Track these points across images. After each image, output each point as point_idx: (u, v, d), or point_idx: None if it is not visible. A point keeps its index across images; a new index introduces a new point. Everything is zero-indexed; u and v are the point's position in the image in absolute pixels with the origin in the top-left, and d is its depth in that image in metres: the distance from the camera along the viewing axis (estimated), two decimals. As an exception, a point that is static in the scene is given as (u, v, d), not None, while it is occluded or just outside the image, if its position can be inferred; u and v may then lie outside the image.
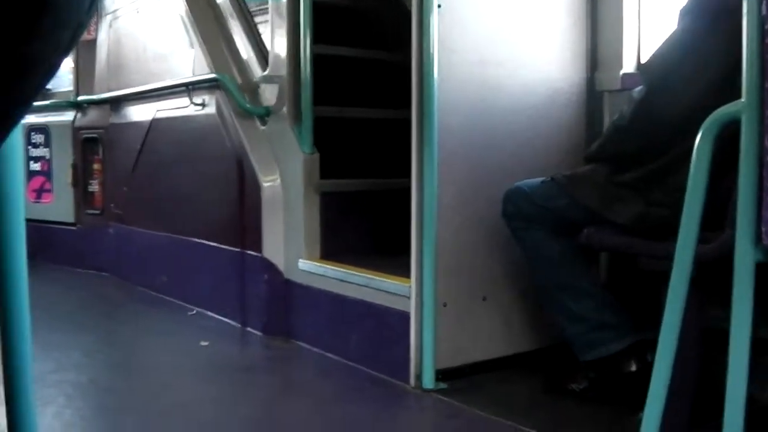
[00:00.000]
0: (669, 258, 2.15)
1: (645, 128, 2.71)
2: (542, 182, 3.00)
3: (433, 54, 3.04)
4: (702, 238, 2.13)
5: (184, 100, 4.59)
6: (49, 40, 0.82)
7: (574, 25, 3.53)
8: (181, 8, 4.70)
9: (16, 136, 1.41)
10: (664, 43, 2.68)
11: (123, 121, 5.50)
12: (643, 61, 3.41)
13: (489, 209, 3.20)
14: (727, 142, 2.04)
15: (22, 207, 1.46)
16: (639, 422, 2.22)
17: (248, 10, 4.54)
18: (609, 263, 3.44)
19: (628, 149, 2.79)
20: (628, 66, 3.47)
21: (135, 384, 3.38)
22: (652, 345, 2.42)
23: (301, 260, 3.81)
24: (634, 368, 2.90)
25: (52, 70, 0.88)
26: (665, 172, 2.68)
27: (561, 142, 3.48)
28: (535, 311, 3.37)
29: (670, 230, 2.57)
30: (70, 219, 6.05)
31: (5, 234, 1.44)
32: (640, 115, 2.69)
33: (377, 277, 3.38)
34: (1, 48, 0.80)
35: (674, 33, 2.66)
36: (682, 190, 2.11)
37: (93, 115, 5.91)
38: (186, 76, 4.62)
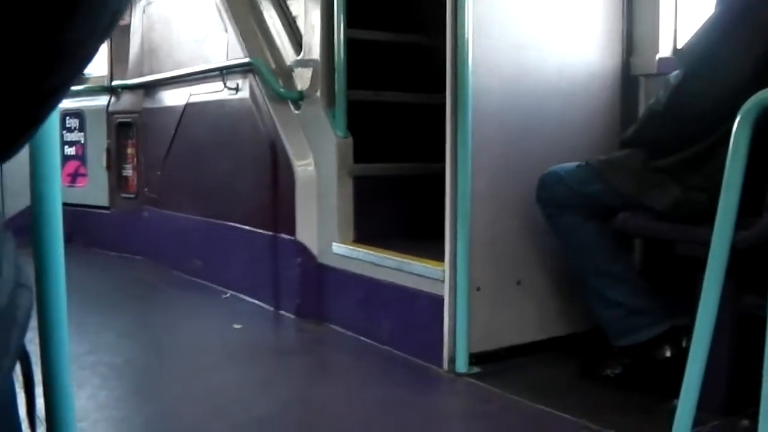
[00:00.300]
0: (705, 244, 2.13)
1: (682, 113, 2.68)
2: (577, 167, 2.98)
3: (467, 38, 3.02)
4: (739, 224, 2.11)
5: (218, 85, 4.60)
6: (86, 26, 0.82)
7: (610, 9, 3.50)
8: (215, -8, 4.71)
9: (53, 122, 1.42)
10: (701, 27, 2.66)
11: (157, 105, 5.52)
12: (679, 45, 3.38)
13: (523, 193, 3.19)
14: (765, 126, 2.02)
15: (58, 191, 1.47)
16: (674, 409, 2.20)
17: (282, -6, 4.55)
18: (644, 248, 3.42)
19: (664, 134, 2.77)
20: (665, 50, 3.44)
21: (169, 366, 3.41)
22: (687, 331, 2.41)
23: (334, 244, 3.82)
24: (668, 354, 2.89)
25: (89, 57, 0.89)
26: (702, 157, 2.65)
27: (596, 127, 3.46)
28: (570, 296, 3.36)
29: (706, 216, 2.55)
30: (105, 203, 6.09)
31: (43, 218, 1.45)
32: (677, 100, 2.67)
33: (411, 261, 3.38)
34: (38, 36, 0.81)
35: (711, 17, 2.63)
36: (719, 175, 2.09)
37: (127, 100, 5.93)
38: (220, 61, 4.63)
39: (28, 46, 0.82)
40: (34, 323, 0.84)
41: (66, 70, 0.87)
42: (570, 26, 3.39)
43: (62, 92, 0.91)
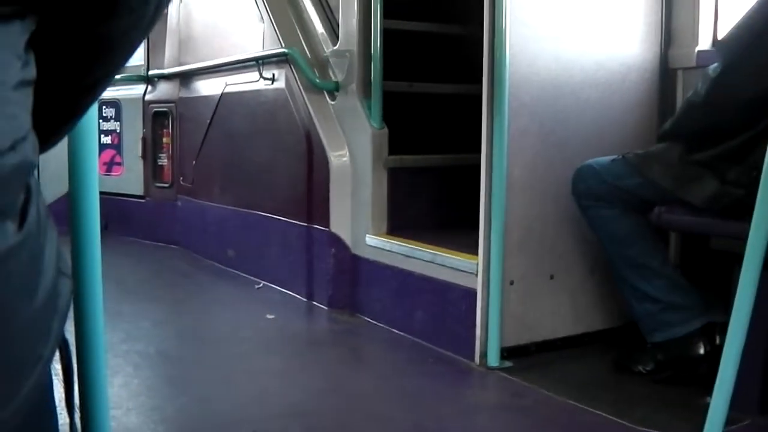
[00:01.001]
0: (742, 239, 2.11)
1: (720, 106, 2.66)
2: (613, 160, 2.96)
3: (505, 28, 3.01)
4: (778, 219, 2.08)
5: (254, 75, 4.60)
6: (130, 19, 0.83)
7: (649, 0, 3.46)
8: (252, -18, 4.71)
9: (91, 112, 1.42)
10: (742, 18, 2.63)
11: (193, 95, 5.54)
12: (719, 37, 3.34)
13: (559, 186, 3.18)
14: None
15: (96, 180, 1.47)
16: (707, 407, 2.19)
17: (319, -16, 4.54)
18: (680, 243, 3.39)
19: (702, 128, 2.74)
20: (704, 43, 3.40)
21: (202, 354, 3.43)
22: (722, 327, 2.39)
23: (368, 235, 3.82)
24: (703, 351, 2.86)
25: (131, 49, 0.89)
26: (741, 150, 2.62)
27: (633, 120, 3.43)
28: (603, 290, 3.34)
29: (744, 210, 2.52)
30: (140, 192, 6.12)
31: (79, 206, 1.46)
32: (716, 93, 2.64)
33: (444, 254, 3.37)
34: (84, 28, 0.81)
35: (753, 7, 2.60)
36: (758, 169, 2.06)
37: (163, 89, 5.96)
38: (256, 51, 4.64)
39: (73, 38, 0.82)
40: (70, 312, 0.84)
41: (109, 63, 0.88)
42: (608, 17, 3.36)
43: (105, 84, 0.92)
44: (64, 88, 0.87)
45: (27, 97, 0.71)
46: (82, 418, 1.47)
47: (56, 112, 0.89)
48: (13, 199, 0.69)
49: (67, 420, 1.04)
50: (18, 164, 0.68)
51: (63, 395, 1.02)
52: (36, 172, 0.76)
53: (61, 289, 0.78)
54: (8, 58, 0.68)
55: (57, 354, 0.90)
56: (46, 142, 0.86)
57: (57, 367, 0.99)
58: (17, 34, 0.69)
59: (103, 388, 1.52)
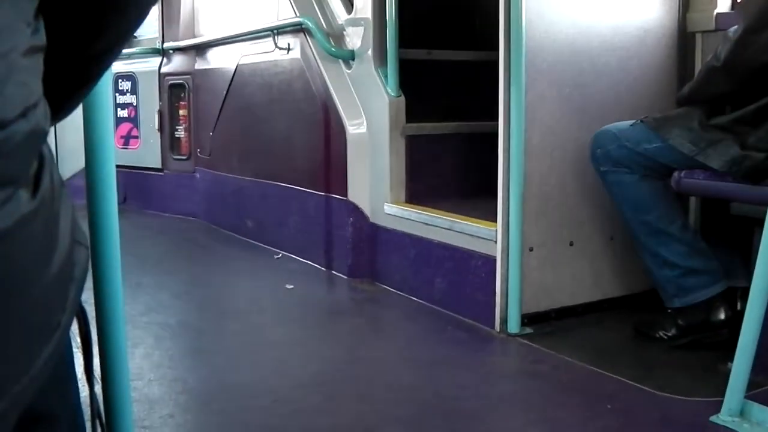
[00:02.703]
0: (763, 203, 2.09)
1: (741, 70, 2.63)
2: (632, 125, 2.94)
3: (521, -7, 2.99)
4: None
5: (269, 45, 4.59)
6: None
7: (667, -37, 3.43)
8: (266, -48, 4.69)
9: (105, 84, 1.42)
10: (763, -21, 2.59)
11: (208, 66, 5.54)
12: (739, -1, 3.30)
13: (577, 152, 3.16)
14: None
15: (112, 153, 1.47)
16: (728, 372, 2.18)
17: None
18: (700, 207, 3.37)
19: (722, 91, 2.72)
20: (723, 5, 3.36)
21: (222, 325, 3.44)
22: (743, 292, 2.38)
23: (386, 204, 3.81)
24: (723, 316, 2.86)
25: (142, 13, 0.89)
26: (761, 114, 2.60)
27: (651, 85, 3.40)
28: (624, 257, 3.33)
29: (764, 174, 2.51)
30: (158, 165, 6.14)
31: (96, 180, 1.46)
32: (736, 56, 2.62)
33: (463, 221, 3.37)
34: None
35: (774, -32, 2.57)
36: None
37: (178, 62, 5.96)
38: (270, 21, 4.62)
39: (82, 4, 0.82)
40: (89, 284, 0.84)
41: (118, 29, 0.88)
42: (625, -19, 3.33)
43: (115, 52, 0.92)
44: (74, 55, 0.87)
45: (37, 64, 0.71)
46: (103, 389, 1.48)
47: (67, 80, 0.89)
48: (26, 166, 0.69)
49: (88, 391, 1.05)
50: (30, 131, 0.67)
51: (83, 366, 1.03)
52: (49, 141, 0.76)
53: (77, 257, 0.79)
54: (18, 24, 0.68)
55: (76, 327, 0.91)
56: (58, 111, 0.86)
57: (78, 340, 1.00)
58: (26, 0, 0.69)
59: (124, 359, 1.53)
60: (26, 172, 0.69)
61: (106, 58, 0.92)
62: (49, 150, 0.76)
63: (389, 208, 3.80)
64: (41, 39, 0.72)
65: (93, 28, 0.85)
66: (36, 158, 0.71)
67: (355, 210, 3.99)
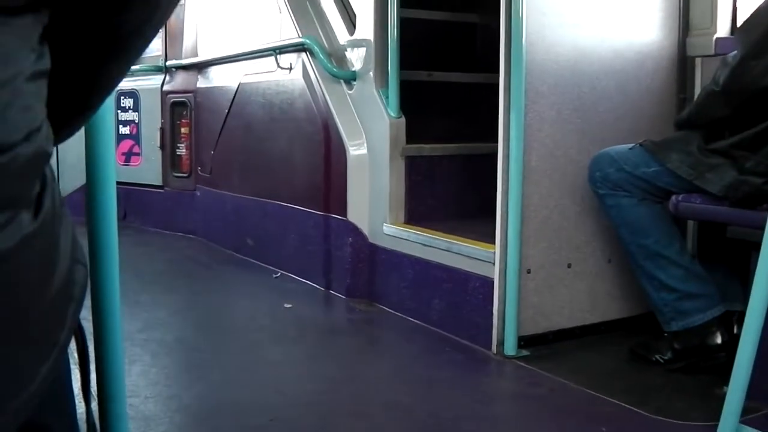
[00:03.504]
0: (760, 228, 2.10)
1: (739, 95, 2.65)
2: (631, 148, 2.95)
3: (522, 16, 3.00)
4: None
5: (271, 64, 4.61)
6: (144, 11, 0.83)
7: (667, -12, 3.45)
8: (269, -28, 4.72)
9: (107, 101, 1.43)
10: (761, 5, 2.61)
11: (210, 85, 5.56)
12: (738, 24, 3.31)
13: (576, 175, 3.18)
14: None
15: (113, 170, 1.48)
16: (724, 396, 2.18)
17: (335, -27, 4.54)
18: (697, 231, 3.37)
19: (720, 116, 2.73)
20: (722, 30, 3.37)
21: (220, 343, 3.44)
22: (740, 317, 2.38)
23: (385, 224, 3.82)
24: (720, 340, 2.86)
25: (146, 40, 0.90)
26: (760, 139, 2.61)
27: (650, 108, 3.42)
28: (621, 280, 3.33)
29: (762, 199, 2.52)
30: (158, 182, 6.14)
31: (97, 197, 1.46)
32: (735, 81, 2.63)
33: (461, 242, 3.37)
34: (98, 19, 0.82)
35: (773, -6, 2.58)
36: (776, 158, 2.06)
37: (181, 79, 5.97)
38: (273, 40, 4.64)
39: (87, 31, 0.83)
40: (87, 301, 0.85)
41: (123, 55, 0.89)
42: (626, 5, 3.35)
43: (118, 77, 0.93)
44: (78, 80, 0.88)
45: (41, 88, 0.72)
46: (99, 406, 1.49)
47: (71, 104, 0.90)
48: (29, 189, 0.70)
49: (84, 408, 1.05)
50: (33, 154, 0.68)
51: (80, 382, 1.03)
52: (50, 163, 0.77)
53: (76, 277, 0.80)
54: (22, 50, 0.69)
55: (74, 344, 0.91)
56: (60, 134, 0.87)
57: (76, 357, 1.01)
58: (31, 26, 0.70)
59: (121, 377, 1.53)
60: (28, 194, 0.70)
61: (109, 83, 0.93)
62: (51, 171, 0.77)
63: (388, 229, 3.81)
64: (45, 64, 0.73)
65: (97, 55, 0.86)
66: (38, 180, 0.72)
67: (355, 230, 3.99)
